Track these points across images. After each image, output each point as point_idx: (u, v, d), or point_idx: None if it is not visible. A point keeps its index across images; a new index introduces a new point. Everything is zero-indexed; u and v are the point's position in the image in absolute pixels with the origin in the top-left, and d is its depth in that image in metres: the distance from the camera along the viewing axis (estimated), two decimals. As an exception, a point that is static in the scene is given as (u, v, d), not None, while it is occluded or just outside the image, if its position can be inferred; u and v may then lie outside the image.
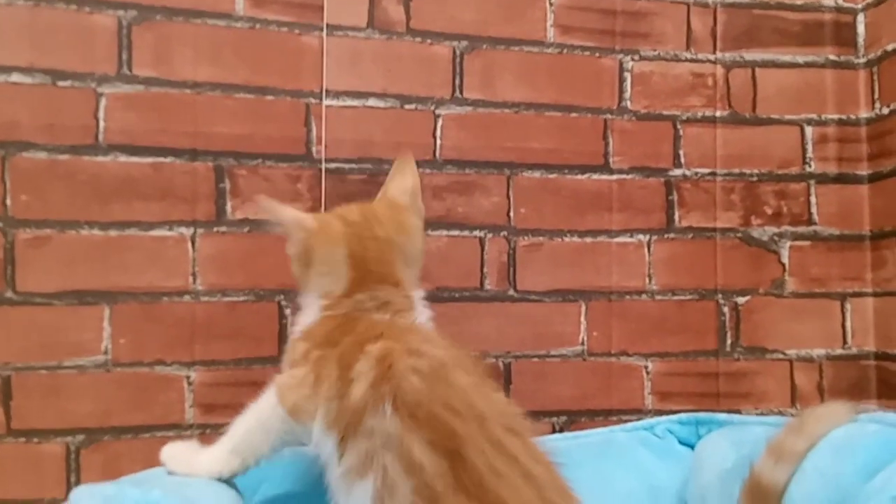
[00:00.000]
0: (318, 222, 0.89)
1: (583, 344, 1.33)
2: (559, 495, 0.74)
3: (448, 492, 0.69)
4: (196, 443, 0.89)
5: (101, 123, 1.16)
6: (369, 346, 0.78)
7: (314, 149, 1.24)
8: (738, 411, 1.32)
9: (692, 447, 1.10)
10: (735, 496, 0.87)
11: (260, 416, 0.82)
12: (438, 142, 1.29)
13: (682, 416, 1.12)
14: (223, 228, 1.20)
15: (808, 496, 0.75)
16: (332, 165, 1.25)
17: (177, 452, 0.84)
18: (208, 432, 1.19)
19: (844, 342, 1.39)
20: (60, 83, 1.14)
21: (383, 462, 0.72)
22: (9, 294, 1.12)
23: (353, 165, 1.26)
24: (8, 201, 1.12)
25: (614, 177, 1.35)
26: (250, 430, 0.83)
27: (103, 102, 1.16)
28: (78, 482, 1.15)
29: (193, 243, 1.19)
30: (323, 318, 0.86)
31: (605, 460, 1.05)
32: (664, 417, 1.13)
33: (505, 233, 1.31)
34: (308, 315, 0.88)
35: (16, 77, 1.13)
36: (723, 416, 1.09)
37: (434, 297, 1.27)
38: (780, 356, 1.38)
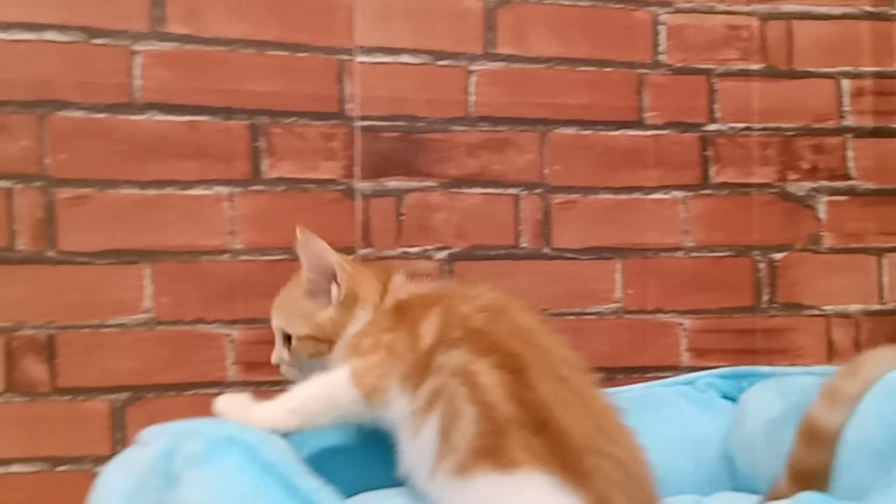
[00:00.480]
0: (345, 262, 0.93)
1: (618, 301, 1.33)
2: (620, 433, 0.74)
3: (510, 415, 0.70)
4: (249, 396, 0.89)
5: (137, 81, 1.15)
6: (431, 308, 0.81)
7: (347, 106, 1.23)
8: (774, 367, 1.32)
9: (734, 401, 1.09)
10: (785, 443, 0.87)
11: (329, 391, 0.81)
12: (472, 98, 1.28)
13: (724, 369, 1.12)
14: (260, 187, 1.20)
15: (864, 437, 0.75)
16: (366, 123, 1.24)
17: (232, 404, 0.84)
18: (250, 389, 1.19)
19: (881, 297, 1.38)
20: (95, 41, 1.14)
21: (450, 392, 0.72)
22: (50, 253, 1.13)
23: (387, 123, 1.25)
24: (47, 160, 1.13)
25: (649, 132, 1.34)
26: (316, 399, 0.82)
27: (138, 60, 1.15)
28: (123, 439, 1.16)
29: (231, 202, 1.19)
30: (378, 313, 0.88)
31: (646, 413, 1.04)
32: (705, 372, 1.12)
33: (539, 190, 1.31)
34: (357, 325, 0.89)
35: (50, 35, 1.12)
36: (766, 368, 1.08)
37: (469, 256, 1.29)
38: (817, 312, 1.37)
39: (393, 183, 1.25)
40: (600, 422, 0.74)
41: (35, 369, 1.13)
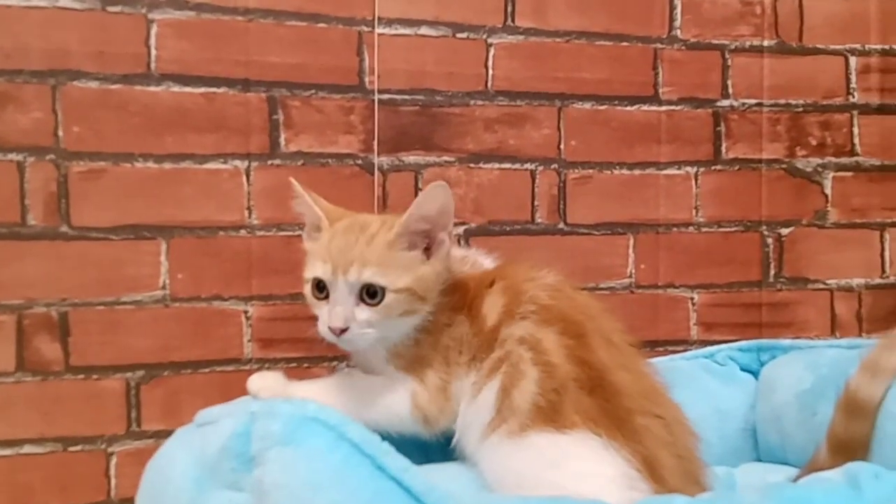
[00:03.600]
0: None
1: (630, 276, 1.34)
2: (666, 398, 0.79)
3: (570, 373, 0.73)
4: (282, 375, 0.87)
5: (153, 52, 1.11)
6: (488, 288, 0.82)
7: (367, 79, 1.21)
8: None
9: (753, 374, 1.11)
10: (816, 414, 0.89)
11: (388, 415, 0.79)
12: (490, 72, 1.26)
13: (743, 343, 1.14)
14: (277, 161, 1.18)
15: (906, 408, 0.77)
16: (385, 97, 1.22)
17: (268, 384, 0.83)
18: (267, 367, 1.18)
19: (883, 271, 1.41)
20: (110, 9, 1.09)
21: (514, 358, 0.75)
22: (64, 228, 1.10)
23: (406, 97, 1.23)
24: (60, 132, 1.09)
25: (663, 108, 1.34)
26: (365, 406, 0.79)
27: (154, 30, 1.11)
28: (139, 418, 1.14)
29: (248, 176, 1.16)
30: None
31: (673, 388, 1.06)
32: (724, 345, 1.14)
33: (555, 165, 1.30)
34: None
35: (64, 2, 1.08)
36: (785, 342, 1.10)
37: (485, 231, 1.28)
38: (821, 286, 1.40)
39: (411, 158, 1.24)
40: (649, 387, 0.78)
41: (47, 348, 1.10)
